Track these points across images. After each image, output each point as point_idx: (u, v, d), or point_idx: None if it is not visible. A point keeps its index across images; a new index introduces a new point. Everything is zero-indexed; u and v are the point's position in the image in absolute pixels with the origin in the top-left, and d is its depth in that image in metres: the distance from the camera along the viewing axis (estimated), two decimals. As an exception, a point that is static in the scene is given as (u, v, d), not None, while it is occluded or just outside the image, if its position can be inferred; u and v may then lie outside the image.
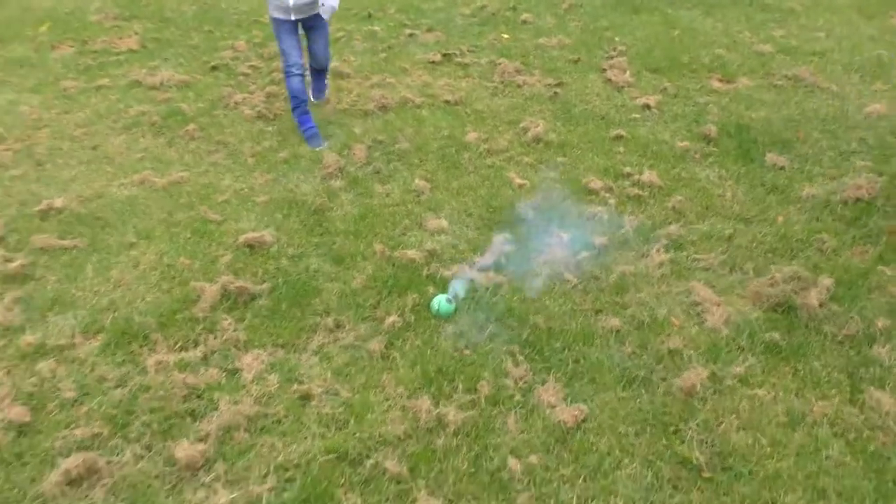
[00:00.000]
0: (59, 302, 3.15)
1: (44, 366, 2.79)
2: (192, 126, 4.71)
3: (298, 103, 4.49)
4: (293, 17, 4.33)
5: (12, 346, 2.90)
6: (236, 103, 5.09)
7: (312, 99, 5.01)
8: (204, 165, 4.29)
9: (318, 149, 4.37)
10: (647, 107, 4.85)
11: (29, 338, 2.91)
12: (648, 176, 3.96)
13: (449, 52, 5.93)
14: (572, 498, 2.25)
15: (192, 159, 4.37)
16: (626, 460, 2.37)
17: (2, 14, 7.27)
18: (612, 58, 5.75)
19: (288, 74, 4.41)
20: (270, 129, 4.72)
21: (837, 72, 5.38)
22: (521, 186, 3.95)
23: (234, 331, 2.94)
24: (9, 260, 3.39)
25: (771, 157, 4.14)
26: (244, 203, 3.88)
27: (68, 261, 3.42)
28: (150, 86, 5.41)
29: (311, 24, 4.48)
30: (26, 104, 5.15)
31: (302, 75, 4.46)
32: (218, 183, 4.08)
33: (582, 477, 2.32)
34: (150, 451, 2.44)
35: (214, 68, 5.73)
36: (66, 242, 3.54)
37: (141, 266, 3.38)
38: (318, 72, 4.95)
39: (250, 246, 3.48)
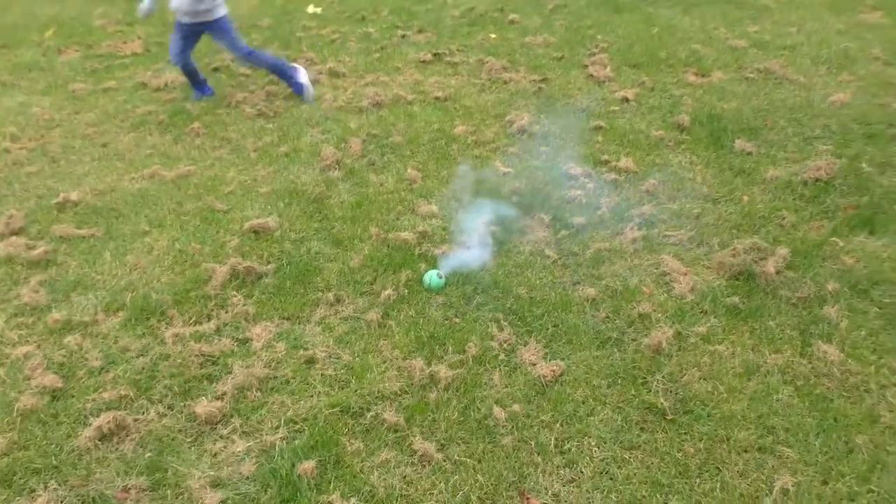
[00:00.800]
0: (80, 284, 3.42)
1: (71, 339, 3.06)
2: (196, 124, 4.99)
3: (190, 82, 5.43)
4: (183, 20, 4.97)
5: (40, 323, 3.17)
6: (237, 102, 5.37)
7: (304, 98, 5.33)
8: (209, 160, 4.57)
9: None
10: (626, 99, 5.14)
11: (56, 315, 3.18)
12: (625, 162, 4.25)
13: (439, 51, 6.23)
14: (551, 439, 2.53)
15: (198, 154, 4.65)
16: (599, 407, 2.66)
17: (7, 20, 7.55)
18: (594, 55, 6.05)
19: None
20: (271, 125, 5.01)
21: (806, 64, 5.69)
22: (505, 174, 4.24)
23: (244, 306, 3.22)
24: (31, 248, 3.66)
25: (739, 144, 4.43)
26: (248, 193, 4.16)
27: (87, 248, 3.70)
28: (156, 87, 5.71)
29: (207, 29, 5.07)
30: (38, 105, 5.44)
31: (181, 66, 5.24)
32: (223, 175, 4.36)
33: (559, 422, 2.60)
34: (172, 410, 2.72)
35: (216, 70, 6.02)
36: (83, 231, 3.81)
37: (155, 251, 3.65)
38: (271, 68, 5.29)
39: (255, 231, 3.76)
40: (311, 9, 7.67)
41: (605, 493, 2.35)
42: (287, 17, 7.44)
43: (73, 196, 4.11)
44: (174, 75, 5.86)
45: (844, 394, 2.69)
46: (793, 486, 2.34)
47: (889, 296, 3.16)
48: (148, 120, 5.16)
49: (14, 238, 3.74)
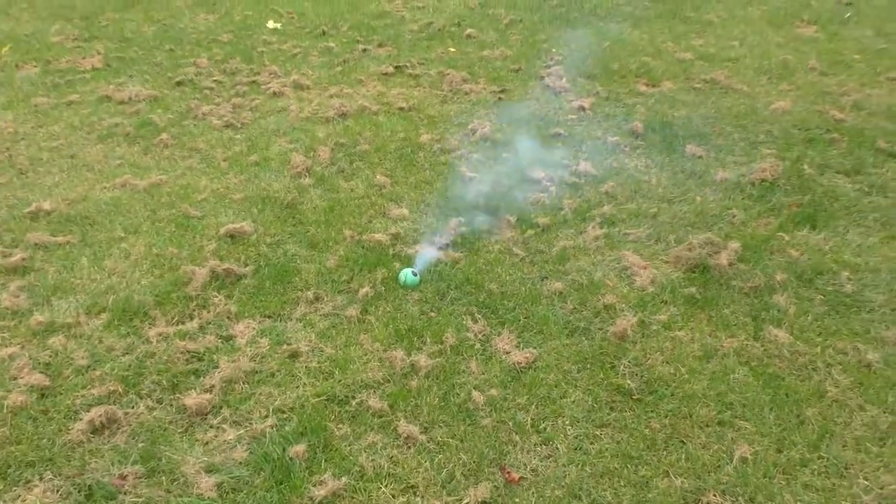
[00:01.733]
0: (60, 289, 3.48)
1: (55, 340, 3.12)
2: (164, 135, 5.07)
3: None
4: None
5: (23, 326, 3.22)
6: (204, 114, 5.46)
7: None
8: (180, 169, 4.65)
9: None
10: (582, 108, 5.38)
11: (38, 317, 3.24)
12: (584, 166, 4.48)
13: (400, 64, 6.41)
14: (527, 419, 2.69)
15: (168, 164, 4.73)
16: (571, 390, 2.83)
17: (-37, 37, 7.47)
18: (549, 66, 6.30)
19: None
20: (239, 136, 5.11)
21: (749, 75, 6.03)
22: (471, 179, 4.42)
23: (225, 305, 3.32)
24: (7, 255, 3.70)
25: (690, 148, 4.70)
26: (221, 200, 4.26)
27: (63, 254, 3.75)
28: (120, 100, 5.75)
29: None
30: (1, 120, 5.43)
31: None
32: (195, 184, 4.45)
33: (534, 404, 2.76)
34: (161, 404, 2.81)
35: (180, 83, 6.09)
36: (59, 239, 3.86)
37: (132, 256, 3.72)
38: None
39: (232, 236, 3.85)
40: (270, 24, 7.78)
41: (579, 466, 2.51)
42: (247, 33, 7.54)
43: (46, 205, 4.15)
44: (138, 88, 5.91)
45: (794, 372, 2.92)
46: (751, 454, 2.54)
47: (831, 284, 3.42)
48: (115, 132, 5.21)
49: (-12, 246, 3.77)
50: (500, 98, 5.66)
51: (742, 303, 3.31)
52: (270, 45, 7.12)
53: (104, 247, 3.81)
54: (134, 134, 5.17)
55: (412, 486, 2.45)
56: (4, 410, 2.74)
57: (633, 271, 3.51)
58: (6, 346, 3.09)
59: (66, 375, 2.94)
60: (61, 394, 2.85)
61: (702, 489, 2.42)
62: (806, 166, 4.45)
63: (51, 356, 3.04)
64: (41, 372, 2.94)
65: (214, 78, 6.18)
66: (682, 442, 2.61)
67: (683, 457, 2.55)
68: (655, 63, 6.32)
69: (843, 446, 2.58)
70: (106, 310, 3.32)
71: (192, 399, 2.76)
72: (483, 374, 2.91)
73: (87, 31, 7.65)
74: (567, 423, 2.69)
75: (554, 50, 6.75)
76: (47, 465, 2.52)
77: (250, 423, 2.70)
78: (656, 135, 4.94)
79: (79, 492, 2.43)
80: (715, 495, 2.39)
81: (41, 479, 2.47)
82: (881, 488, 2.42)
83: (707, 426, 2.68)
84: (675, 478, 2.46)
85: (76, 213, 4.12)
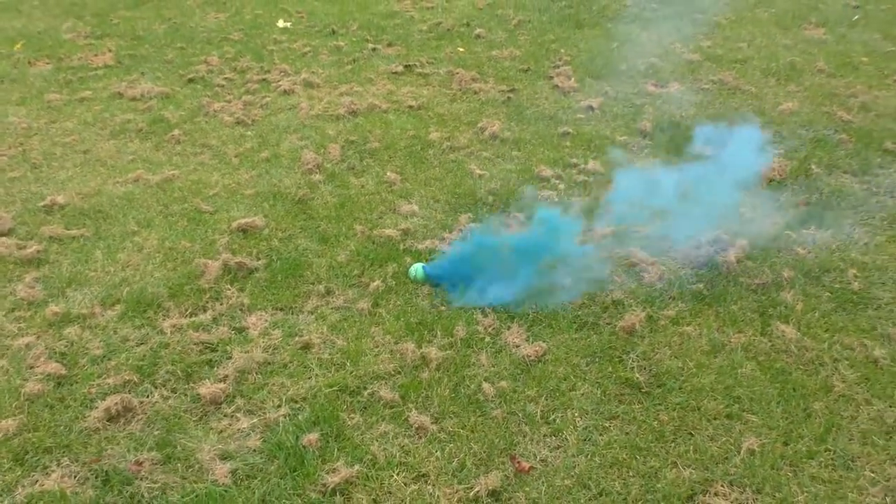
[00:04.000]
0: (75, 280, 3.52)
1: (70, 331, 3.16)
2: (176, 131, 5.11)
3: None
4: None
5: (38, 316, 3.27)
6: (215, 111, 5.50)
7: None
8: (192, 165, 4.70)
9: None
10: (591, 108, 5.42)
11: (54, 308, 3.28)
12: (592, 165, 4.51)
13: (410, 63, 6.45)
14: (537, 411, 2.73)
15: (181, 160, 4.78)
16: (580, 383, 2.87)
17: (-25, 34, 7.54)
18: (558, 67, 6.33)
19: None
20: (250, 133, 5.16)
21: (756, 76, 6.06)
22: (481, 176, 4.46)
23: (238, 297, 3.36)
24: (22, 247, 3.74)
25: (698, 148, 4.72)
26: (233, 196, 4.30)
27: (77, 247, 3.79)
28: (132, 97, 5.80)
29: None
30: (14, 115, 5.49)
31: None
32: (207, 179, 4.49)
33: (544, 396, 2.80)
34: (175, 393, 2.85)
35: (191, 80, 6.14)
36: (73, 232, 3.91)
37: (145, 250, 3.77)
38: None
39: (244, 230, 3.90)
40: (281, 23, 7.82)
41: (588, 456, 2.55)
42: (257, 31, 7.58)
43: (60, 199, 4.20)
44: (150, 85, 5.96)
45: (801, 367, 2.95)
46: (758, 447, 2.57)
47: (838, 281, 3.45)
48: (127, 128, 5.26)
49: (4, 239, 3.81)
50: (509, 97, 5.69)
51: (749, 299, 3.33)
52: (280, 44, 7.17)
53: (117, 240, 3.86)
54: (146, 130, 5.22)
55: (423, 475, 2.48)
56: (21, 398, 2.78)
57: (642, 268, 3.54)
58: (23, 336, 3.13)
59: (82, 365, 2.98)
60: (77, 382, 2.89)
61: (710, 480, 2.45)
62: (814, 166, 4.48)
63: (66, 346, 3.08)
64: (57, 361, 2.98)
65: (225, 76, 6.23)
66: (691, 434, 2.64)
67: (692, 448, 2.58)
68: (663, 64, 6.34)
69: (850, 439, 2.61)
70: (120, 301, 3.36)
71: (207, 388, 2.80)
72: (493, 366, 2.95)
73: (99, 29, 7.70)
74: (576, 414, 2.72)
75: (563, 50, 6.79)
76: (64, 452, 2.57)
77: (264, 413, 2.73)
78: (664, 134, 4.96)
79: (96, 477, 2.47)
80: (722, 486, 2.42)
81: (59, 464, 2.51)
82: (887, 480, 2.45)
83: (715, 419, 2.71)
84: (684, 469, 2.49)
85: (90, 207, 4.17)
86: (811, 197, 4.15)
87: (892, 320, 3.20)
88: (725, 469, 2.49)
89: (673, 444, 2.60)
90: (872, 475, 2.48)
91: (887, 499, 2.39)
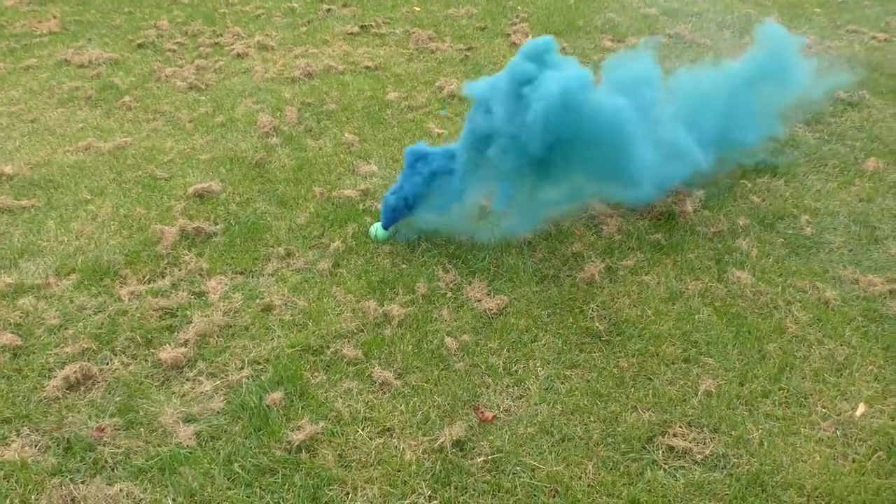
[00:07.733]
0: (27, 251, 3.45)
1: (25, 301, 3.10)
2: (127, 98, 4.99)
3: None
4: None
5: (-9, 289, 3.20)
6: (167, 76, 5.38)
7: None
8: (145, 132, 4.60)
9: None
10: (548, 64, 5.39)
11: (6, 279, 3.21)
12: (551, 120, 4.50)
13: (365, 24, 6.36)
14: (499, 363, 2.75)
15: (133, 127, 4.67)
16: (541, 334, 2.90)
17: (-88, 2, 7.24)
18: (515, 24, 6.30)
19: None
20: (204, 98, 5.05)
21: (712, 29, 6.09)
22: (439, 135, 4.43)
23: (197, 262, 3.32)
24: (-29, 220, 3.65)
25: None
26: (188, 161, 4.23)
27: (29, 218, 3.71)
28: (79, 64, 5.64)
29: None
30: (-44, 85, 5.30)
31: None
32: (161, 146, 4.41)
33: (506, 348, 2.83)
34: (136, 359, 2.82)
35: (141, 46, 5.98)
36: (23, 202, 3.81)
37: (99, 218, 3.70)
38: None
39: (200, 195, 3.84)
40: (232, -14, 7.63)
41: (551, 404, 2.59)
42: (208, -6, 7.39)
43: (8, 169, 4.09)
44: (98, 52, 5.79)
45: (756, 311, 3.01)
46: (715, 388, 2.64)
47: (791, 228, 3.52)
48: (76, 95, 5.12)
49: (-49, 211, 3.71)
50: (466, 56, 5.65)
51: (706, 247, 3.39)
52: (233, 6, 7.01)
53: (70, 209, 3.77)
54: (96, 97, 5.08)
55: (388, 429, 2.50)
56: (-23, 370, 2.73)
57: (601, 220, 3.57)
58: (-25, 308, 3.07)
59: (38, 335, 2.93)
60: (34, 353, 2.84)
61: (668, 422, 2.51)
62: (767, 116, 4.53)
63: (21, 316, 3.02)
64: (12, 332, 2.93)
65: (176, 40, 6.08)
66: (650, 379, 2.70)
67: (650, 392, 2.63)
68: (620, 19, 6.34)
69: (803, 378, 2.69)
70: (75, 270, 3.30)
71: (167, 353, 2.78)
72: (455, 321, 2.96)
73: (42, -5, 7.44)
74: (538, 364, 2.76)
75: (520, 8, 6.74)
76: (24, 421, 2.53)
77: (226, 375, 2.72)
78: (621, 88, 4.96)
79: (57, 445, 2.44)
80: (681, 427, 2.48)
81: (18, 434, 2.48)
82: (838, 415, 2.53)
83: (673, 363, 2.76)
84: (643, 412, 2.55)
85: (40, 177, 4.07)
86: (766, 147, 4.20)
87: (843, 263, 3.28)
88: (683, 410, 2.55)
89: (632, 389, 2.65)
90: (824, 410, 2.56)
91: (838, 432, 2.48)
